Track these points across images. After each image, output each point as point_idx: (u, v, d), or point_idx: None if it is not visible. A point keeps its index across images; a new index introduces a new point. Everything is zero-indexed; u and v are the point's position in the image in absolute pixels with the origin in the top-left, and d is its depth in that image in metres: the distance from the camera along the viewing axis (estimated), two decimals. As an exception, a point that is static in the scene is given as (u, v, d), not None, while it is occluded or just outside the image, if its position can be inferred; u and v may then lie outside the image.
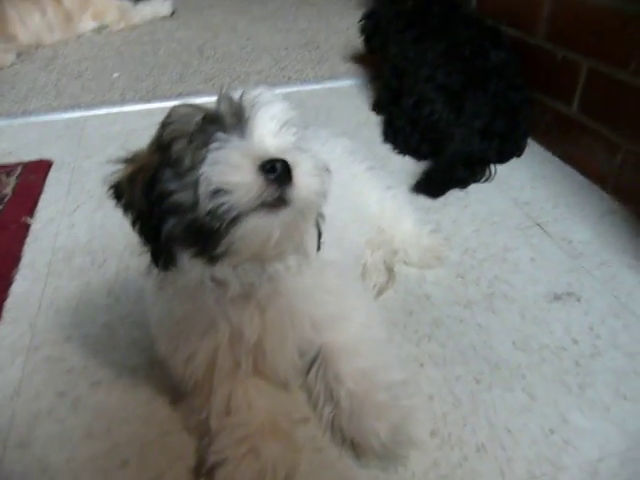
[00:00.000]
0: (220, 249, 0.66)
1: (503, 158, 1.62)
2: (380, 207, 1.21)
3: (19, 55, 2.58)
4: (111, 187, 0.73)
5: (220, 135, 0.66)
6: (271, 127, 0.69)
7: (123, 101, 2.11)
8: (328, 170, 0.72)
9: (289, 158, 0.64)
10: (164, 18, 3.12)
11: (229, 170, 0.62)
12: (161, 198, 0.67)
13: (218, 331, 0.79)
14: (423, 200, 1.46)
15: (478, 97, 1.57)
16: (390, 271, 1.17)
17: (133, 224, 0.72)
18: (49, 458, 0.87)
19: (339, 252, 0.91)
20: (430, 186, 1.48)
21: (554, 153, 1.66)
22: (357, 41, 2.63)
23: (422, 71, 1.65)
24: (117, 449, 0.88)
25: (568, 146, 1.60)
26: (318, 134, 1.20)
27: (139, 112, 2.04)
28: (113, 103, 2.09)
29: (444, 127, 1.58)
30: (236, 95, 0.71)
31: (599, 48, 1.43)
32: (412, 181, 1.54)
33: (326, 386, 0.88)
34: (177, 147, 0.67)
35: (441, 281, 1.20)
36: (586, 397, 0.94)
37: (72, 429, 0.91)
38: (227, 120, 0.68)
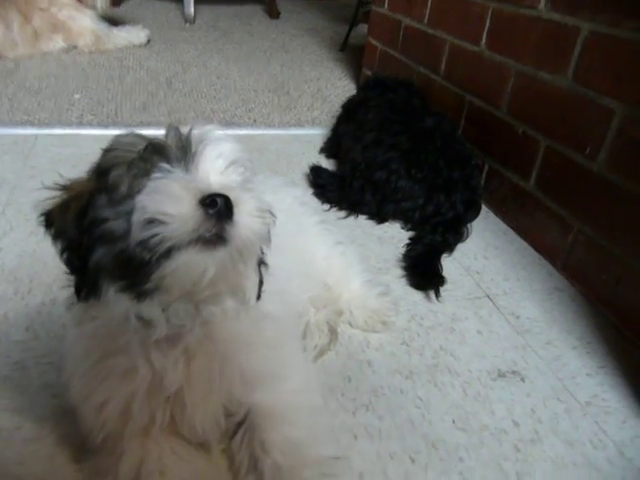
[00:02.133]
0: (150, 284, 0.62)
1: (469, 212, 1.61)
2: (328, 263, 1.16)
3: (-23, 64, 2.48)
4: (42, 214, 0.70)
5: (163, 166, 0.63)
6: (217, 164, 0.66)
7: (80, 124, 2.03)
8: (272, 214, 0.70)
9: (232, 195, 0.61)
10: (137, 46, 3.08)
11: (167, 200, 0.59)
12: (92, 225, 0.64)
13: (137, 376, 0.71)
14: (374, 260, 1.43)
15: (429, 151, 1.59)
16: (333, 332, 1.12)
17: (61, 253, 0.68)
18: None
19: (280, 304, 0.86)
20: (424, 279, 1.38)
21: (509, 225, 1.67)
22: (326, 92, 2.67)
23: (367, 136, 1.66)
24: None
25: (523, 219, 1.62)
26: (270, 182, 1.16)
27: (95, 137, 1.97)
28: (69, 124, 2.01)
29: (404, 187, 1.57)
30: (185, 129, 0.68)
31: (557, 128, 1.46)
32: (363, 239, 1.52)
33: (251, 454, 0.81)
34: (115, 173, 0.64)
35: (385, 347, 1.16)
36: (523, 487, 0.89)
37: (-44, 485, 0.80)
38: (172, 152, 0.65)
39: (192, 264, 0.60)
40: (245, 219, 0.63)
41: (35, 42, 2.74)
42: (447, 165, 1.58)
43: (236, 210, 0.61)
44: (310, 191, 1.71)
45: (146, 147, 0.64)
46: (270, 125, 2.22)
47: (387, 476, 0.88)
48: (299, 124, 2.27)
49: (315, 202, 1.24)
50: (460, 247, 1.54)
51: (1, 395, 0.95)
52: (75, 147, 1.87)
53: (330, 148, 2.01)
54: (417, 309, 1.28)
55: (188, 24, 3.77)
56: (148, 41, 3.16)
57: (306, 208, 1.18)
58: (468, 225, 1.58)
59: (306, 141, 2.14)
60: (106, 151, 0.68)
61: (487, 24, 1.74)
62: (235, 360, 0.77)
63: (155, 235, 0.58)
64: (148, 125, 2.07)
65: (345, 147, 1.83)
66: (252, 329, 0.78)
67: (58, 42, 2.83)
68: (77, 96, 2.27)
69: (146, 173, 0.63)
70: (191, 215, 0.59)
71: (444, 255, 1.47)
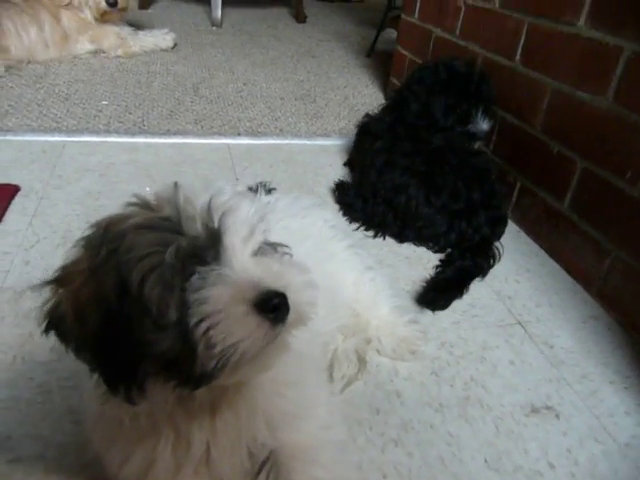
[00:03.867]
0: (207, 381, 0.59)
1: (497, 230, 1.56)
2: (357, 290, 1.13)
3: (8, 68, 2.49)
4: (49, 321, 0.61)
5: (201, 270, 0.58)
6: (245, 237, 0.62)
7: (107, 131, 2.03)
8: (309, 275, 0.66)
9: (282, 284, 0.59)
10: (164, 50, 3.08)
11: (229, 327, 0.56)
12: (134, 344, 0.57)
13: (160, 436, 0.69)
14: (403, 281, 1.40)
15: (445, 172, 1.53)
16: (362, 361, 1.09)
17: (78, 352, 0.61)
18: None
19: (304, 339, 0.83)
20: (437, 299, 1.33)
21: (541, 246, 1.62)
22: (353, 100, 2.64)
23: (379, 160, 1.61)
24: None
25: (556, 241, 1.57)
26: (299, 203, 1.14)
27: (122, 145, 1.96)
28: (96, 132, 2.01)
29: (425, 214, 1.52)
30: (199, 200, 0.61)
31: (595, 150, 1.41)
32: (391, 260, 1.48)
33: None
34: (152, 292, 0.56)
35: (414, 377, 1.12)
36: (560, 537, 0.85)
37: (-22, 516, 0.79)
38: (202, 244, 0.59)
39: (258, 361, 0.60)
40: (298, 300, 0.61)
41: (65, 44, 2.76)
42: (466, 186, 1.52)
43: (290, 299, 0.59)
44: (337, 208, 1.68)
45: (177, 251, 0.56)
46: (297, 135, 2.20)
47: (417, 519, 0.85)
48: (326, 134, 2.24)
49: (344, 224, 1.21)
50: (491, 270, 1.49)
51: (24, 420, 0.93)
52: (102, 155, 1.86)
53: (352, 162, 1.98)
54: (447, 336, 1.24)
55: (215, 27, 3.76)
56: (175, 45, 3.15)
57: (335, 232, 1.15)
58: (498, 245, 1.53)
59: (333, 152, 2.11)
60: (120, 253, 0.57)
61: (522, 39, 1.69)
62: (259, 405, 0.74)
63: (223, 355, 0.56)
64: (175, 134, 2.06)
65: (359, 171, 1.78)
66: (276, 370, 0.75)
67: (86, 44, 2.84)
68: (105, 102, 2.27)
69: (183, 279, 0.57)
70: (257, 332, 0.57)
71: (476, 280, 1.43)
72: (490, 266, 1.46)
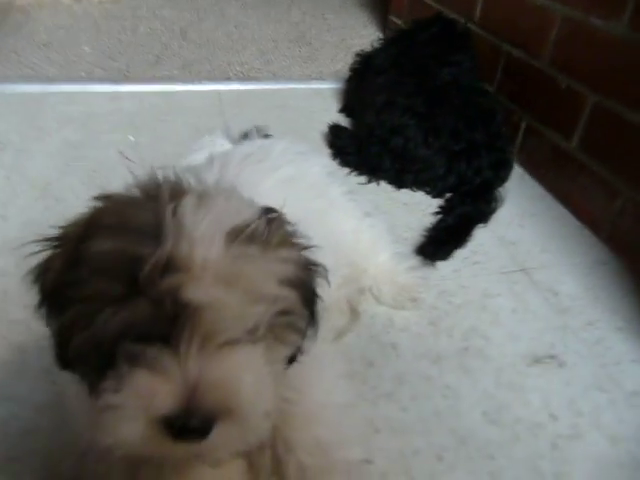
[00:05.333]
0: None
1: (500, 174, 1.47)
2: (355, 238, 1.06)
3: (-16, 16, 2.36)
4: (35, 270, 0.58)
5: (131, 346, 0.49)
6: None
7: (89, 79, 1.93)
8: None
9: (218, 397, 0.49)
10: (151, -7, 2.92)
11: (118, 426, 0.49)
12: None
13: None
14: (401, 228, 1.32)
15: (446, 112, 1.43)
16: (354, 312, 1.03)
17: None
18: None
19: None
20: (437, 250, 1.25)
21: (547, 189, 1.53)
22: (350, 41, 2.50)
23: (379, 99, 1.51)
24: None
25: (563, 184, 1.48)
26: (295, 149, 1.06)
27: (105, 94, 1.86)
28: (78, 80, 1.91)
29: (423, 156, 1.43)
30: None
31: (608, 82, 1.30)
32: (388, 206, 1.40)
33: (273, 454, 0.73)
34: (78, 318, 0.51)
35: (411, 327, 1.07)
36: (561, 491, 0.81)
37: (-51, 480, 0.76)
38: (150, 311, 0.48)
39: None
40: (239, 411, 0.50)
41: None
42: (468, 126, 1.43)
43: (221, 420, 0.49)
44: (329, 152, 1.59)
45: (119, 320, 0.48)
46: (290, 79, 2.09)
47: (410, 476, 0.81)
48: (321, 77, 2.13)
49: (340, 170, 1.13)
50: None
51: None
52: (84, 105, 1.77)
53: (348, 107, 1.87)
54: (446, 285, 1.18)
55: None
56: (163, -12, 2.99)
57: (333, 178, 1.07)
58: (500, 189, 1.45)
59: (328, 96, 2.00)
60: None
61: (530, -38, 1.55)
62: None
63: None
64: (161, 80, 1.96)
65: (358, 111, 1.68)
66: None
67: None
68: (86, 49, 2.16)
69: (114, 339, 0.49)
70: (149, 443, 0.49)
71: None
72: (492, 211, 1.38)
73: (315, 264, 0.62)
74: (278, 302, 0.52)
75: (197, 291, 0.47)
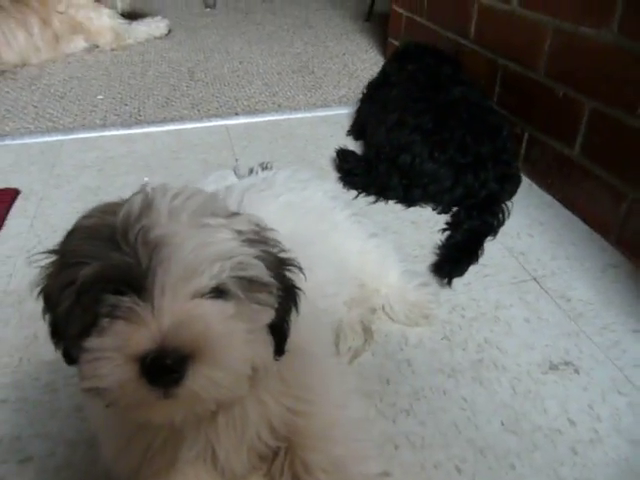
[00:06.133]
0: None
1: (506, 188, 1.50)
2: (362, 259, 1.09)
3: (2, 73, 2.49)
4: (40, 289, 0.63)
5: (110, 298, 0.54)
6: (183, 277, 0.54)
7: (104, 125, 2.01)
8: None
9: (189, 337, 0.52)
10: (158, 38, 3.04)
11: (101, 371, 0.52)
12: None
13: (155, 430, 0.67)
14: (410, 247, 1.35)
15: (454, 127, 1.48)
16: (367, 332, 1.06)
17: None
18: None
19: (311, 325, 0.79)
20: (452, 269, 1.26)
21: (554, 197, 1.55)
22: (352, 67, 2.57)
23: (390, 118, 1.56)
24: None
25: (569, 190, 1.49)
26: (298, 176, 1.10)
27: (119, 137, 1.94)
28: (93, 127, 1.99)
29: (429, 170, 1.47)
30: (155, 208, 0.56)
31: (603, 89, 1.33)
32: (397, 225, 1.43)
33: (294, 476, 0.77)
34: (63, 305, 0.57)
35: (425, 343, 1.09)
36: (583, 496, 0.82)
37: (-9, 518, 0.80)
38: (127, 266, 0.54)
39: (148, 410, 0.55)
40: (210, 350, 0.53)
41: (57, 45, 2.73)
42: (475, 140, 1.46)
43: (194, 361, 0.52)
44: (337, 176, 1.63)
45: (94, 272, 0.53)
46: (296, 108, 2.15)
47: (432, 489, 0.82)
48: (326, 104, 2.18)
49: (346, 194, 1.16)
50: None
51: (33, 420, 0.93)
52: (99, 150, 1.85)
53: (356, 130, 1.92)
54: (458, 299, 1.20)
55: (209, 9, 3.70)
56: (169, 31, 3.11)
57: (336, 202, 1.11)
58: (507, 202, 1.47)
59: (334, 122, 2.05)
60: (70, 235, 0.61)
61: (518, -21, 1.59)
62: (258, 414, 0.71)
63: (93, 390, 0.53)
64: (172, 121, 2.03)
65: (369, 129, 1.73)
66: (283, 364, 0.70)
67: (80, 42, 2.82)
68: (100, 97, 2.25)
69: (93, 303, 0.54)
70: (135, 393, 0.52)
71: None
72: (500, 223, 1.40)
73: (283, 254, 0.66)
74: (234, 258, 0.56)
75: (161, 228, 0.53)
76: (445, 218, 1.47)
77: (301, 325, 0.70)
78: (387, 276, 1.13)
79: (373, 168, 1.54)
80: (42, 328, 1.10)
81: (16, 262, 1.32)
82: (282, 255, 0.65)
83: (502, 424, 0.92)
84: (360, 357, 1.04)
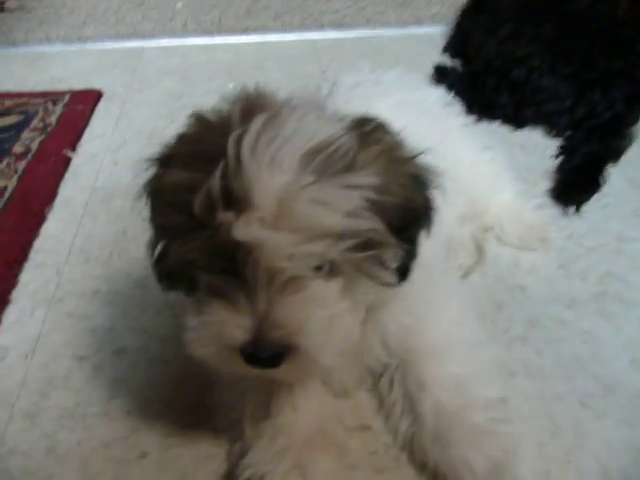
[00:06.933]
0: None
1: (634, 111, 1.31)
2: (474, 172, 0.98)
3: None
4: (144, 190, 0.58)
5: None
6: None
7: (185, 33, 1.93)
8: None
9: (287, 331, 0.49)
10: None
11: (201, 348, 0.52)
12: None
13: None
14: (518, 170, 1.22)
15: (580, 38, 1.30)
16: (480, 250, 0.96)
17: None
18: (57, 436, 0.74)
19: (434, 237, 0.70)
20: (571, 195, 1.14)
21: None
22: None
23: (503, 29, 1.39)
24: (136, 436, 0.73)
25: None
26: (409, 77, 0.99)
27: (200, 46, 1.86)
28: (174, 34, 1.91)
29: (547, 86, 1.31)
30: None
31: None
32: (504, 147, 1.30)
33: (405, 393, 0.70)
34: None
35: (538, 270, 0.98)
36: None
37: (88, 403, 0.77)
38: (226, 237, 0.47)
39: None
40: (307, 345, 0.49)
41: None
42: (604, 54, 1.28)
43: (291, 353, 0.49)
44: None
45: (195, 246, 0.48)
46: (385, 24, 1.98)
47: (555, 422, 0.74)
48: (418, 22, 2.01)
49: (458, 103, 1.05)
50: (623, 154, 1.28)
51: (125, 313, 0.91)
52: (180, 57, 1.78)
53: (454, 46, 1.75)
54: (574, 227, 1.07)
55: None
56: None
57: (449, 109, 0.99)
58: (632, 127, 1.30)
59: (426, 40, 1.88)
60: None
61: None
62: (372, 328, 0.64)
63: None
64: (254, 31, 1.93)
65: (475, 43, 1.57)
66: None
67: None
68: (179, 5, 2.15)
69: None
70: (227, 364, 0.52)
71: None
72: (623, 149, 1.24)
73: (424, 174, 0.56)
74: (347, 237, 0.46)
75: (245, 231, 0.44)
76: (557, 143, 1.32)
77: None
78: (500, 193, 1.02)
79: (479, 84, 1.39)
80: (131, 225, 1.08)
81: (103, 160, 1.29)
82: (416, 172, 0.55)
83: (631, 362, 0.82)
84: (469, 277, 0.95)
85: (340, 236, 0.46)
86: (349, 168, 0.47)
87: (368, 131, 0.52)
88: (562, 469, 0.69)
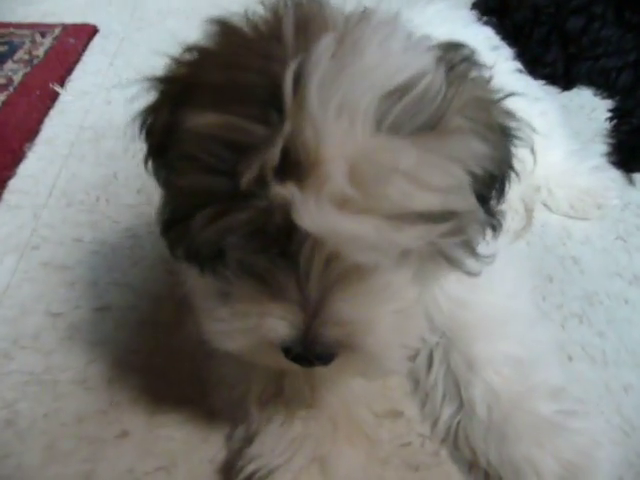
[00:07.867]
0: None
1: None
2: None
3: None
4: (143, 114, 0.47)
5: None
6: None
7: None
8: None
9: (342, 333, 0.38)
10: None
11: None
12: None
13: None
14: (570, 129, 1.08)
15: None
16: (529, 213, 0.83)
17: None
18: (19, 405, 0.61)
19: None
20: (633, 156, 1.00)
21: None
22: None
23: None
24: (115, 411, 0.60)
25: None
26: (458, 13, 0.86)
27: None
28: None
29: (609, 37, 1.15)
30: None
31: None
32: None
33: (448, 374, 0.58)
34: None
35: (593, 241, 0.85)
36: None
37: (60, 368, 0.64)
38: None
39: None
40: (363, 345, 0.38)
41: None
42: None
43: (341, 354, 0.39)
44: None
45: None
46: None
47: (623, 415, 0.62)
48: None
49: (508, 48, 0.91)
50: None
51: (112, 266, 0.77)
52: (185, -1, 1.62)
53: (487, 0, 1.59)
54: (631, 196, 0.94)
55: None
56: None
57: (498, 52, 0.86)
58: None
59: (455, -5, 1.73)
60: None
61: None
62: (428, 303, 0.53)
63: None
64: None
65: None
66: None
67: None
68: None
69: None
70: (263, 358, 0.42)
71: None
72: None
73: (513, 126, 0.45)
74: (443, 220, 0.34)
75: (314, 217, 0.32)
76: (607, 105, 1.17)
77: None
78: (550, 152, 0.88)
79: (523, 36, 1.23)
80: (123, 169, 0.94)
81: (94, 99, 1.14)
82: (505, 123, 0.44)
83: None
84: (515, 243, 0.82)
85: (435, 219, 0.34)
86: (440, 121, 0.34)
87: (456, 63, 0.39)
88: (637, 477, 0.56)
